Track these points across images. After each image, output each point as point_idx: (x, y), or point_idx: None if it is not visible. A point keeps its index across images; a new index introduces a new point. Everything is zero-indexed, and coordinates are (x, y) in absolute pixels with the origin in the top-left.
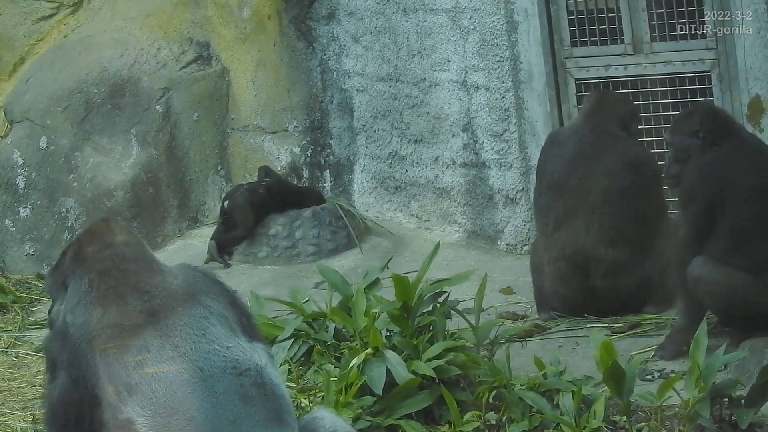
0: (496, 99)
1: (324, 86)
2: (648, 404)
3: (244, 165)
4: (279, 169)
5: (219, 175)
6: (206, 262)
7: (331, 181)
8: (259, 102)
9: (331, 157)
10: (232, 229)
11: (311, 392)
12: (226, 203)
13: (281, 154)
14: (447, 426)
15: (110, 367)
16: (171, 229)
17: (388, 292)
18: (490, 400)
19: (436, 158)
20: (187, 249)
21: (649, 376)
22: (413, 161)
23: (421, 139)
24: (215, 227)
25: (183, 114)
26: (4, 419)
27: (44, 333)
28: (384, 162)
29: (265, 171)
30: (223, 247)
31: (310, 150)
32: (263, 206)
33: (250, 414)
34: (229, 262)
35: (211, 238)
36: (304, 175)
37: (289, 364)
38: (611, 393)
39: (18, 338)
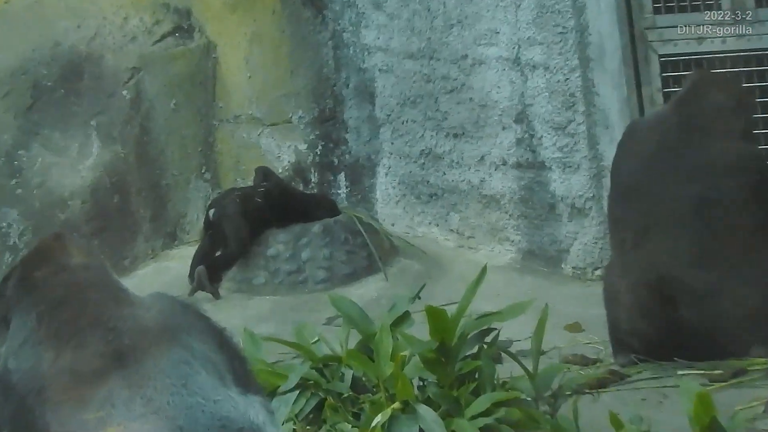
0: (558, 81)
1: (337, 65)
2: None
3: (236, 166)
4: (280, 171)
5: (203, 179)
6: (191, 293)
7: (346, 187)
8: (254, 86)
9: (346, 156)
10: (219, 247)
11: None
12: (212, 213)
13: (283, 152)
14: None
15: (65, 426)
16: (142, 248)
17: (420, 329)
18: None
19: (482, 157)
20: (163, 274)
21: None
22: (452, 161)
23: (463, 133)
24: (198, 246)
25: (157, 101)
26: None
27: None
28: (415, 162)
29: (263, 173)
30: (210, 272)
31: (319, 147)
32: (260, 218)
33: None
34: (219, 291)
35: (195, 259)
36: (313, 179)
37: (294, 423)
38: None
39: None
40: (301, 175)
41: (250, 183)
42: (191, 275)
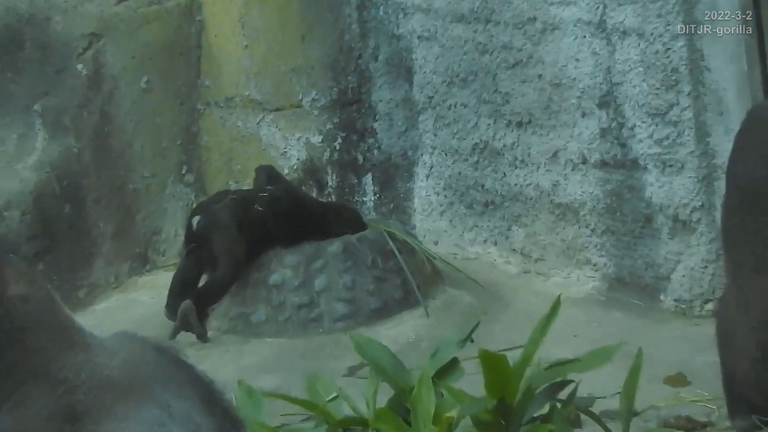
0: (657, 52)
1: (363, 31)
2: None
3: (227, 166)
4: (287, 171)
5: (184, 182)
6: (172, 336)
7: (375, 193)
8: (252, 59)
9: (375, 151)
10: (205, 269)
11: None
12: (196, 222)
13: (291, 146)
14: None
15: None
16: (103, 274)
17: (472, 381)
18: None
19: (555, 153)
20: (130, 308)
21: None
22: (515, 159)
23: (529, 121)
24: (177, 267)
25: (123, 79)
26: None
27: None
28: (465, 160)
29: (266, 174)
30: (196, 306)
31: (339, 140)
32: (261, 232)
33: None
34: (207, 330)
35: (173, 287)
36: (330, 183)
37: None
38: None
39: None
40: (315, 177)
41: (248, 186)
42: (169, 309)
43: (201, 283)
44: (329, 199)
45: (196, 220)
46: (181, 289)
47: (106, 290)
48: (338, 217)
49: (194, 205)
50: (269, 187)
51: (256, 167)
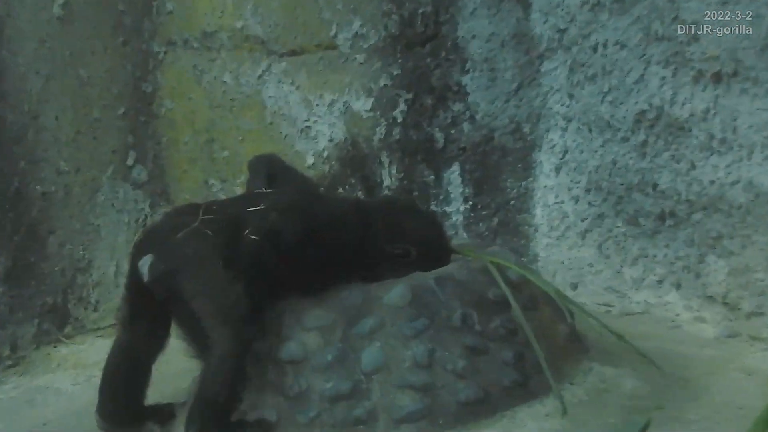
0: None
1: None
2: None
3: (205, 151)
4: (313, 162)
5: (131, 181)
6: None
7: (465, 198)
8: None
9: (465, 125)
10: (160, 341)
11: None
12: (145, 265)
13: (318, 117)
14: None
15: None
16: None
17: None
18: None
19: None
20: (36, 404)
21: None
22: (711, 137)
23: (735, 73)
24: (112, 348)
25: (25, 8)
26: None
27: None
28: (624, 140)
29: (266, 165)
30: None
31: (402, 106)
32: (261, 270)
33: None
34: None
35: (106, 383)
36: (387, 179)
37: None
38: None
39: None
40: (360, 172)
41: (239, 189)
42: (104, 418)
43: (197, 382)
44: (386, 210)
45: (145, 262)
46: (120, 384)
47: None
48: (399, 236)
49: (143, 231)
50: (274, 190)
51: (250, 160)
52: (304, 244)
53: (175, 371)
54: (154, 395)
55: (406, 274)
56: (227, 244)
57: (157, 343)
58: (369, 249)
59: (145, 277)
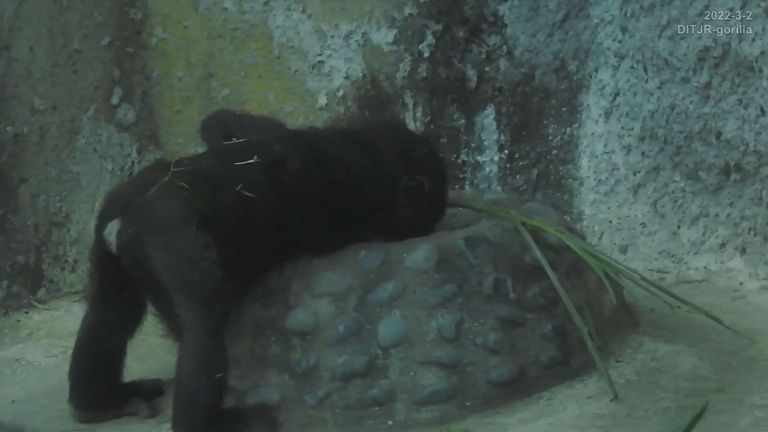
0: None
1: None
2: None
3: (201, 87)
4: (327, 102)
5: (115, 121)
6: None
7: (501, 147)
8: None
9: (501, 62)
10: (136, 315)
11: None
12: (111, 231)
13: (334, 50)
14: None
15: None
16: None
17: None
18: None
19: None
20: (4, 378)
21: None
22: None
23: None
24: (82, 324)
25: None
26: None
27: None
28: (684, 80)
29: (219, 124)
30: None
31: (430, 38)
32: (255, 230)
33: None
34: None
35: (77, 370)
36: (413, 123)
37: None
38: None
39: None
40: (380, 112)
41: (231, 136)
42: (76, 404)
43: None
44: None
45: (112, 229)
46: (92, 367)
47: None
48: (411, 166)
49: (106, 194)
50: (272, 138)
51: (202, 121)
52: (314, 182)
53: (161, 343)
54: (140, 370)
55: (428, 231)
56: (203, 200)
57: (133, 318)
58: (380, 183)
59: (113, 247)
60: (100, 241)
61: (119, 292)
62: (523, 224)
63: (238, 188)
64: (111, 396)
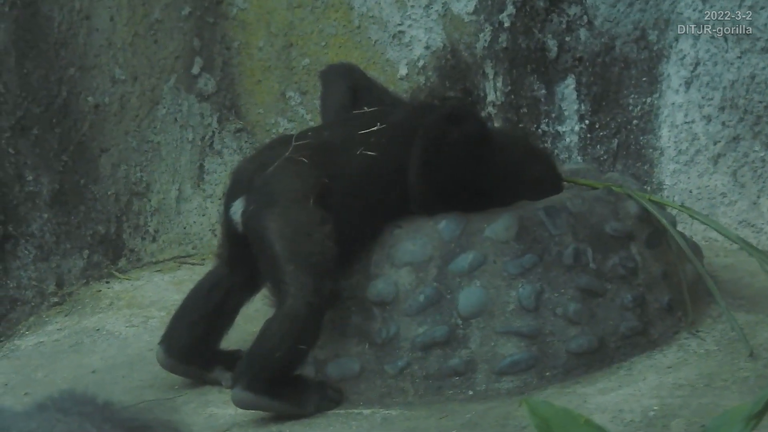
0: None
1: None
2: None
3: (282, 57)
4: (407, 72)
5: (195, 91)
6: None
7: (581, 117)
8: None
9: (581, 31)
10: (254, 288)
11: None
12: (237, 210)
13: (413, 21)
14: None
15: None
16: (30, 279)
17: None
18: None
19: None
20: (84, 347)
21: None
22: None
23: None
24: (207, 274)
25: None
26: None
27: None
28: (765, 50)
29: (346, 77)
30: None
31: (511, 8)
32: (372, 207)
33: None
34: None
35: (181, 318)
36: (492, 94)
37: None
38: None
39: None
40: (461, 84)
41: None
42: (168, 352)
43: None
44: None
45: (237, 207)
46: (200, 317)
47: (38, 310)
48: (533, 158)
49: (231, 172)
50: (377, 109)
51: (324, 69)
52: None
53: (242, 312)
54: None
55: (511, 200)
56: (323, 171)
57: (252, 289)
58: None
59: (239, 227)
60: (227, 219)
61: (245, 263)
62: (614, 190)
63: (358, 152)
64: (202, 356)
